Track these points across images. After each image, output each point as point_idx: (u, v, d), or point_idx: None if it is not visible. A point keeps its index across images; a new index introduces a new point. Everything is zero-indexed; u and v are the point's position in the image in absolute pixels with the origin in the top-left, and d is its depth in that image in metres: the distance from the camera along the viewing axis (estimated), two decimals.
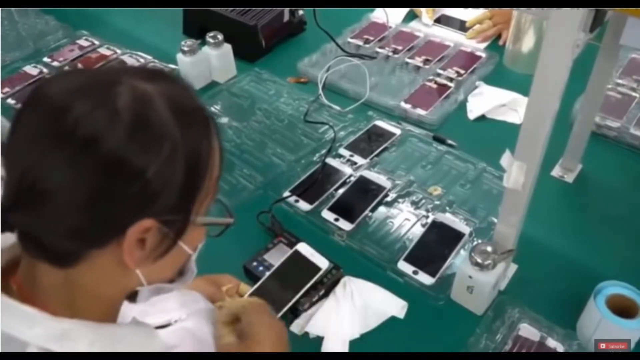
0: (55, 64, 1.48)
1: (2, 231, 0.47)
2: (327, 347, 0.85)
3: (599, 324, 0.80)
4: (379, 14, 1.59)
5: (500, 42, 1.50)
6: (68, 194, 0.44)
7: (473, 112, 1.28)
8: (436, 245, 0.98)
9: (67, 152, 0.43)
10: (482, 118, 1.27)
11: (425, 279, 0.93)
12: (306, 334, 0.87)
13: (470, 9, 1.58)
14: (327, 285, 0.91)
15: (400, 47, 1.47)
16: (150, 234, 0.48)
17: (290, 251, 0.94)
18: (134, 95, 0.45)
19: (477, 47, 1.48)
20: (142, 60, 1.48)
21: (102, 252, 0.48)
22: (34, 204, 0.45)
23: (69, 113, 0.44)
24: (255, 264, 0.94)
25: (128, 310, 0.57)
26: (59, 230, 0.46)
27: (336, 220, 1.03)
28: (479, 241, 0.93)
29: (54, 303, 0.49)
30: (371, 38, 1.51)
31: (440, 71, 1.38)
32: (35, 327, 0.47)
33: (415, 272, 0.93)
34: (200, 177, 0.49)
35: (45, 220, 0.45)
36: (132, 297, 0.56)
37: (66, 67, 1.46)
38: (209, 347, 0.69)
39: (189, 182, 0.48)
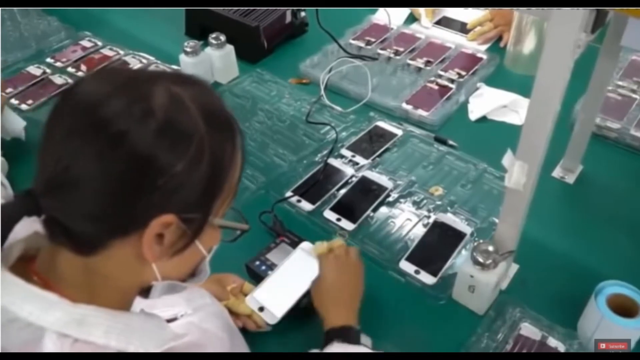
0: (58, 64, 1.48)
1: (30, 215, 0.49)
2: None
3: (599, 324, 0.80)
4: (381, 16, 1.60)
5: (501, 44, 1.51)
6: (96, 184, 0.46)
7: (474, 113, 1.29)
8: (438, 245, 0.99)
9: (99, 145, 0.45)
10: (483, 119, 1.28)
11: (426, 278, 0.93)
12: None
13: (471, 11, 1.59)
14: None
15: (401, 49, 1.48)
16: (169, 230, 0.49)
17: (294, 250, 0.94)
18: (169, 96, 0.47)
19: (478, 48, 1.49)
20: (144, 61, 1.48)
21: (123, 243, 0.49)
22: (63, 191, 0.47)
23: (104, 108, 0.46)
24: (257, 263, 0.95)
25: (136, 302, 0.58)
26: (85, 217, 0.48)
27: (338, 220, 1.04)
28: (481, 241, 0.94)
29: (72, 290, 0.51)
30: (373, 39, 1.52)
31: (442, 72, 1.39)
32: (55, 312, 0.48)
33: (416, 272, 0.94)
34: (222, 178, 0.51)
35: (73, 206, 0.47)
36: (144, 291, 0.58)
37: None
38: (216, 340, 0.70)
39: (211, 182, 0.50)
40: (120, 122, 0.45)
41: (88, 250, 0.50)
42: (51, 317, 0.48)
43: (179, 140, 0.47)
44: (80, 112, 0.47)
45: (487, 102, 1.30)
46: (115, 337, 0.49)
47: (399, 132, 1.24)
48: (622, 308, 0.80)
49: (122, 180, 0.46)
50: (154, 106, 0.46)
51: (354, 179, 1.12)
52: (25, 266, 0.52)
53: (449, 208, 1.06)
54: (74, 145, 0.46)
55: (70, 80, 1.42)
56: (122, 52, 1.52)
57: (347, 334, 0.77)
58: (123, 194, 0.46)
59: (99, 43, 1.56)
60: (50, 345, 0.47)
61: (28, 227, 0.51)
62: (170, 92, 0.48)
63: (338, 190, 1.11)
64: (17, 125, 1.19)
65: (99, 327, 0.49)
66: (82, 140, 0.46)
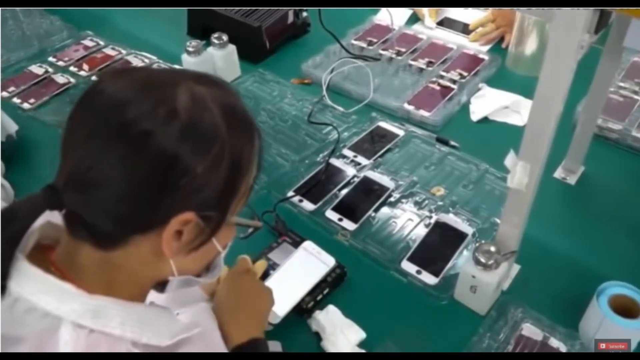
0: (60, 63, 1.48)
1: (51, 209, 0.50)
2: None
3: (601, 324, 0.80)
4: (383, 16, 1.60)
5: (503, 45, 1.51)
6: (120, 184, 0.46)
7: (476, 113, 1.29)
8: (439, 245, 0.99)
9: (122, 146, 0.46)
10: (485, 120, 1.28)
11: (428, 278, 0.93)
12: None
13: (473, 12, 1.59)
14: (330, 284, 0.91)
15: (403, 49, 1.48)
16: (188, 227, 0.50)
17: (296, 249, 0.94)
18: (192, 97, 0.48)
19: (480, 49, 1.49)
20: (146, 60, 1.48)
21: (143, 239, 0.50)
22: (86, 189, 0.47)
23: (128, 109, 0.46)
24: None
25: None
26: (107, 214, 0.48)
27: (340, 220, 1.04)
28: (482, 241, 0.94)
29: (89, 283, 0.51)
30: (375, 40, 1.52)
31: (444, 73, 1.39)
32: (72, 303, 0.49)
33: (418, 272, 0.94)
34: (240, 178, 0.52)
35: (95, 204, 0.48)
36: (159, 286, 0.59)
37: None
38: (216, 338, 0.70)
39: (230, 182, 0.51)
40: (144, 124, 0.46)
41: (108, 245, 0.50)
42: (68, 307, 0.48)
43: (201, 142, 0.47)
44: (104, 112, 0.47)
45: (489, 103, 1.30)
46: (130, 329, 0.50)
47: (401, 133, 1.24)
48: (624, 309, 0.81)
49: (145, 181, 0.46)
50: (178, 107, 0.47)
51: (356, 179, 1.13)
52: (41, 255, 0.53)
53: (450, 208, 1.06)
54: (97, 145, 0.46)
55: (72, 80, 1.42)
56: (124, 52, 1.52)
57: (255, 347, 0.72)
58: (146, 194, 0.47)
59: (101, 42, 1.56)
60: (66, 336, 0.48)
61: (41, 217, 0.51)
62: (193, 93, 0.48)
63: (340, 190, 1.11)
64: (10, 128, 1.20)
65: (114, 319, 0.50)
66: (106, 142, 0.46)
